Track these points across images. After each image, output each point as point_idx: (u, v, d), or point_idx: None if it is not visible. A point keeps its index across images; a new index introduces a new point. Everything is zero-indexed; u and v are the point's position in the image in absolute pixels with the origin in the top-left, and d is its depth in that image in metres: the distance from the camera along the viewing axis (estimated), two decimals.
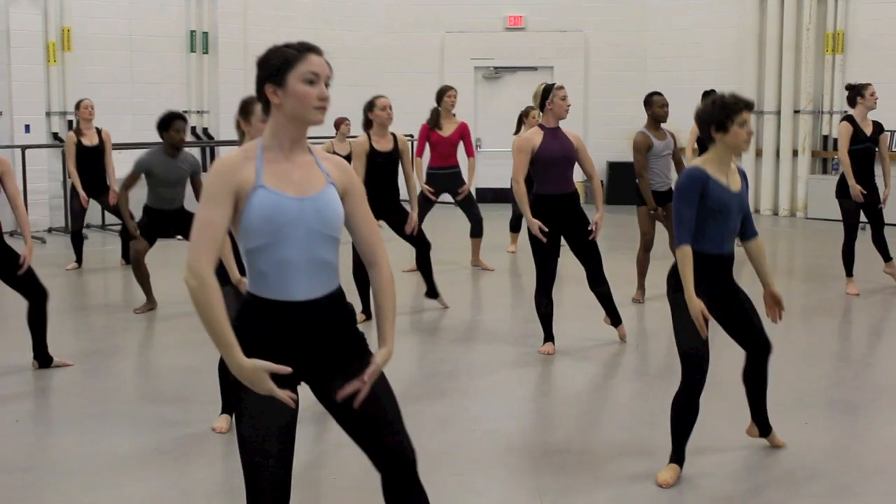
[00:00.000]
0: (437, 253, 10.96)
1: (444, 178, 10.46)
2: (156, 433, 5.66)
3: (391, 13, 17.31)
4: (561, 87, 7.18)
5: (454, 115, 10.68)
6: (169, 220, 8.73)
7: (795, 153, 15.64)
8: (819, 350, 7.69)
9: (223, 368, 5.44)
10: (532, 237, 7.13)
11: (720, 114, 4.66)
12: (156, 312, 8.70)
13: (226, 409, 5.65)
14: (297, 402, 3.10)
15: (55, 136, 14.01)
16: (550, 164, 7.12)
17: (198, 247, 2.96)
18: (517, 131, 11.31)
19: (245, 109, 5.53)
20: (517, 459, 5.28)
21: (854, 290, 9.35)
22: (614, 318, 7.56)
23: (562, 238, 7.25)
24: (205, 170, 11.29)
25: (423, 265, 8.76)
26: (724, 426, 5.56)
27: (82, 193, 10.70)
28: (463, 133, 10.62)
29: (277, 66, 3.06)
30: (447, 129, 10.54)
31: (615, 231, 13.11)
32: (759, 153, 15.97)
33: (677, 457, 4.86)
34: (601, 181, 16.34)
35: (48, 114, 13.87)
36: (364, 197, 3.28)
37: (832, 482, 4.93)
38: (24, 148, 13.35)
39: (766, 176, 15.92)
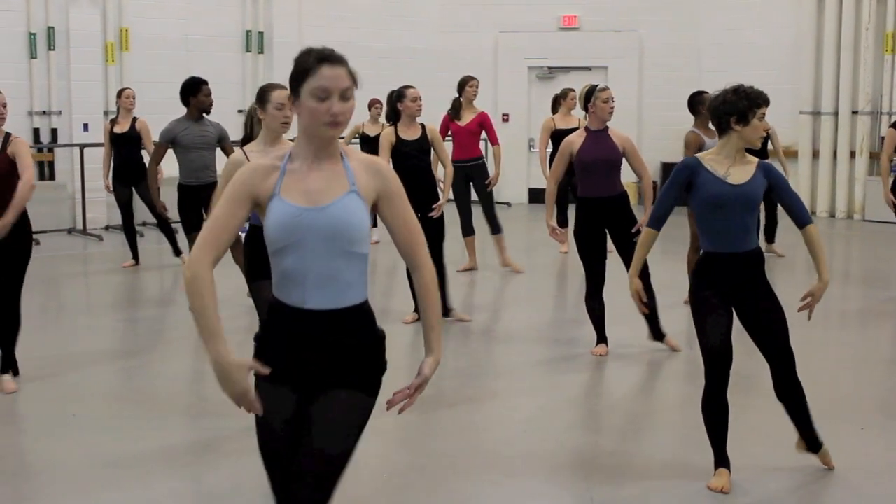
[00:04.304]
0: (481, 257, 10.97)
1: (467, 170, 10.37)
2: (198, 432, 5.71)
3: (445, 13, 17.32)
4: (604, 89, 7.08)
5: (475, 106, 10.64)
6: (202, 201, 8.58)
7: (853, 154, 15.44)
8: (875, 354, 7.59)
9: None
10: (579, 239, 7.12)
11: (743, 105, 4.59)
12: None
13: None
14: (299, 402, 3.09)
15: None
16: (591, 167, 7.04)
17: (203, 243, 3.01)
18: (554, 112, 11.44)
19: (261, 97, 5.50)
20: (568, 461, 5.27)
21: None
22: (656, 334, 7.36)
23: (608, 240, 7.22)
24: None
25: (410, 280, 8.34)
26: (773, 428, 5.50)
27: (106, 182, 10.87)
28: (482, 122, 10.51)
29: (295, 76, 3.03)
30: (466, 119, 10.50)
31: (669, 231, 12.98)
32: (815, 154, 15.78)
33: (721, 461, 4.80)
34: (655, 181, 16.30)
35: (106, 113, 14.02)
36: (403, 198, 3.19)
37: (887, 489, 4.87)
38: (82, 147, 13.54)
39: (823, 177, 15.72)
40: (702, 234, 4.78)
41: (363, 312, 3.13)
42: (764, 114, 4.62)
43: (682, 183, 4.70)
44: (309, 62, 3.00)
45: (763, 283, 4.79)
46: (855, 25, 15.25)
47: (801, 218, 4.72)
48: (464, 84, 10.57)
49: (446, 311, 8.25)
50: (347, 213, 3.03)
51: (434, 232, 8.13)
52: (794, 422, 4.94)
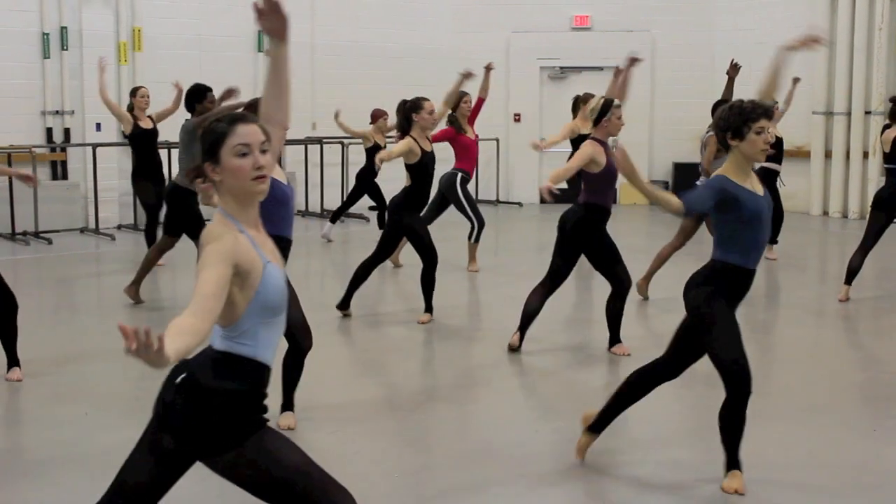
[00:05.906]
0: (485, 258, 10.97)
1: (469, 179, 10.69)
2: None
3: (457, 13, 17.32)
4: (619, 106, 7.04)
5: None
6: (190, 208, 8.61)
7: (866, 155, 15.40)
8: (886, 354, 7.56)
9: (286, 365, 5.50)
10: (567, 250, 7.18)
11: (737, 120, 4.51)
12: None
13: (287, 406, 5.67)
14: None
15: (125, 134, 14.21)
16: (612, 179, 7.08)
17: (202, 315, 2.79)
18: (574, 115, 11.42)
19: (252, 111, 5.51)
20: (579, 461, 5.26)
21: None
22: (614, 338, 7.36)
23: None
24: None
25: (427, 281, 8.16)
26: (784, 431, 5.50)
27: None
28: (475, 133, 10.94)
29: (210, 144, 3.00)
30: (471, 133, 10.72)
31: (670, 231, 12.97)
32: (828, 154, 15.75)
33: (733, 463, 4.77)
34: (666, 182, 16.28)
35: None
36: None
37: None
38: (94, 146, 13.59)
39: (836, 178, 15.70)
40: (732, 248, 4.60)
41: None
42: (762, 128, 4.48)
43: (719, 195, 4.51)
44: (221, 127, 3.01)
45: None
46: (868, 26, 15.23)
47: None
48: (458, 100, 10.63)
49: (345, 305, 8.21)
50: None
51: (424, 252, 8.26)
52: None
